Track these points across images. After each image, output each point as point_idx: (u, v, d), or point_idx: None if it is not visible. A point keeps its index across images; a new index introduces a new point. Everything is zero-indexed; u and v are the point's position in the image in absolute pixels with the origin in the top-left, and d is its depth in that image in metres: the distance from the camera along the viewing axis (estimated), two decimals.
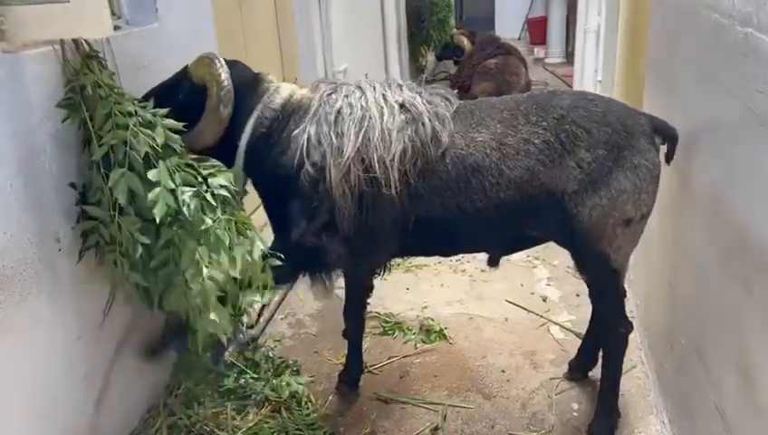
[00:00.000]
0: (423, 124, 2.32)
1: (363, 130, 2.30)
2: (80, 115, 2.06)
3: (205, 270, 2.05)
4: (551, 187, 2.29)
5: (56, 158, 2.10)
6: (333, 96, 2.40)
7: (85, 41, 2.08)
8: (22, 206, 1.96)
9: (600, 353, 2.74)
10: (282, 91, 2.49)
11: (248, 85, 2.48)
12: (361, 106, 2.35)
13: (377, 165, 2.27)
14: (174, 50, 2.75)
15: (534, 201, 2.32)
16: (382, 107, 2.35)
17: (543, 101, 2.38)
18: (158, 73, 2.55)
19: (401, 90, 2.44)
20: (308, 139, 2.34)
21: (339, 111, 2.35)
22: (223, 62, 2.39)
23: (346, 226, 2.34)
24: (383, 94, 2.39)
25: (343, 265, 2.59)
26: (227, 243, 2.13)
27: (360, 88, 2.42)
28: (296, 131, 2.37)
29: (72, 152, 2.16)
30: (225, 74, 2.36)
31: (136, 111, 2.11)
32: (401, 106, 2.37)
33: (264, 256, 2.27)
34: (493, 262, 2.88)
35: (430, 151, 2.31)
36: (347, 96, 2.39)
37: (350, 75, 5.40)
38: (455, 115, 2.41)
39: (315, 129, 2.35)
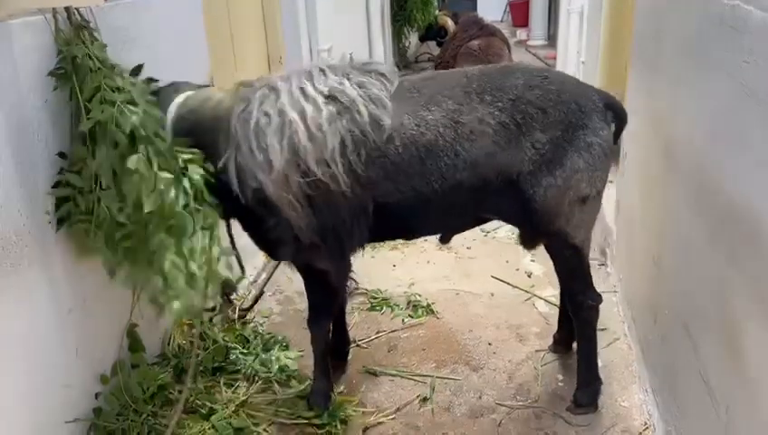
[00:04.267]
0: (358, 112, 2.21)
1: (286, 136, 2.18)
2: (69, 86, 2.04)
3: (169, 258, 2.07)
4: (506, 168, 2.29)
5: (46, 129, 2.08)
6: (248, 108, 2.26)
7: (77, 11, 2.05)
8: (11, 177, 1.95)
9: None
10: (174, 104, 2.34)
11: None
12: (278, 111, 2.22)
13: (315, 166, 2.17)
14: (160, 24, 2.73)
15: (490, 183, 2.30)
16: (302, 105, 2.22)
17: (497, 80, 2.32)
18: (143, 47, 2.52)
19: (325, 76, 2.30)
20: (236, 166, 2.23)
21: (257, 125, 2.22)
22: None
23: (306, 234, 2.28)
24: (301, 88, 2.26)
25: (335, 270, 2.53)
26: (191, 232, 2.13)
27: (273, 89, 2.28)
28: (222, 161, 2.24)
29: (63, 123, 2.14)
30: None
31: (124, 87, 2.09)
32: (328, 97, 2.24)
33: (221, 253, 2.25)
34: (445, 239, 2.89)
35: (373, 137, 2.22)
36: (261, 103, 2.25)
37: (335, 55, 5.37)
38: (399, 93, 2.31)
39: (237, 154, 2.23)
